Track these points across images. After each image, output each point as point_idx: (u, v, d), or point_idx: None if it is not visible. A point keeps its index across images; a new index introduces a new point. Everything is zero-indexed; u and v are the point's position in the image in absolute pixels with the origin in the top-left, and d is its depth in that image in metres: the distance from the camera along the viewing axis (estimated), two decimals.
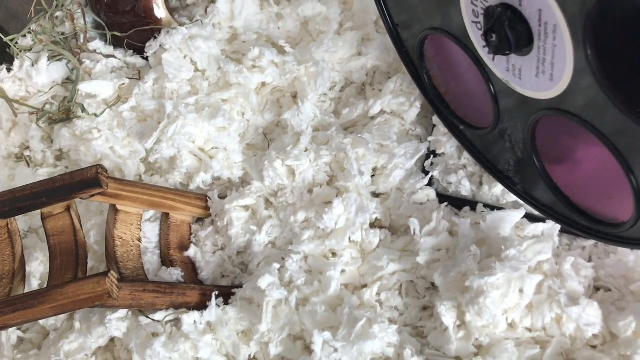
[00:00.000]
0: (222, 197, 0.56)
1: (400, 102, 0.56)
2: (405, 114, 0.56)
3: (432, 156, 0.55)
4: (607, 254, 0.49)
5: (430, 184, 0.54)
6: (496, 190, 0.52)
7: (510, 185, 0.50)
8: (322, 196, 0.53)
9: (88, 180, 0.49)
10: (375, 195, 0.55)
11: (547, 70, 0.38)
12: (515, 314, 0.46)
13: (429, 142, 0.55)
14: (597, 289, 0.49)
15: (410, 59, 0.53)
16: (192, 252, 0.55)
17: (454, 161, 0.54)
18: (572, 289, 0.46)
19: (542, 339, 0.46)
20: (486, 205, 0.52)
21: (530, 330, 0.46)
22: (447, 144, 0.54)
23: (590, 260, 0.50)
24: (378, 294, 0.50)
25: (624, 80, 0.34)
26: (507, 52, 0.38)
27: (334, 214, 0.51)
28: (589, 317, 0.45)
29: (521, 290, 0.45)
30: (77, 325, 0.52)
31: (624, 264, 0.48)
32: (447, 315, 0.46)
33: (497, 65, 0.42)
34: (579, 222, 0.45)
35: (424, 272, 0.49)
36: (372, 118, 0.58)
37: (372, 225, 0.53)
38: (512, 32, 0.37)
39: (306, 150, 0.55)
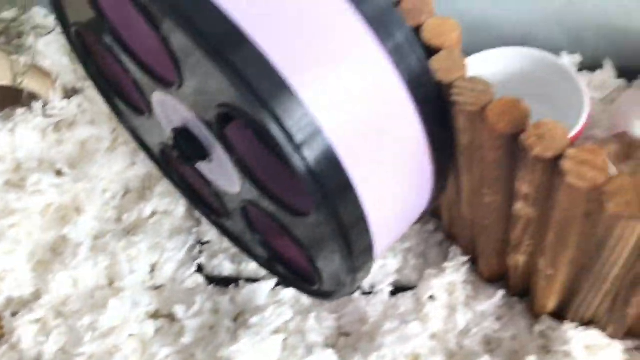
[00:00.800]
0: (16, 314, 0.61)
1: (167, 202, 0.64)
2: (174, 211, 0.64)
3: (199, 245, 0.63)
4: (347, 304, 0.58)
5: (200, 269, 0.62)
6: (254, 266, 0.61)
7: (258, 261, 0.59)
8: (103, 298, 0.60)
9: None
10: (156, 288, 0.62)
11: (228, 171, 0.47)
12: None
13: (196, 232, 0.63)
14: (342, 334, 0.58)
15: (162, 165, 0.61)
16: None
17: (218, 245, 0.63)
18: (311, 341, 0.55)
19: None
20: (247, 280, 0.60)
21: None
22: (210, 232, 0.63)
23: (336, 311, 0.58)
24: None
25: (264, 182, 0.44)
26: (193, 163, 0.47)
27: (111, 313, 0.58)
28: None
29: (265, 352, 0.53)
30: None
31: (359, 309, 0.57)
32: None
33: (204, 169, 0.51)
34: (304, 286, 0.54)
35: (192, 351, 0.56)
36: (149, 218, 0.65)
37: (153, 316, 0.60)
38: (189, 148, 0.46)
39: (86, 259, 0.61)
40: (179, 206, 0.64)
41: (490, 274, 0.56)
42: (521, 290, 0.55)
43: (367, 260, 0.42)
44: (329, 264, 0.45)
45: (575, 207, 0.37)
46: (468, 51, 0.65)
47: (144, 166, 0.68)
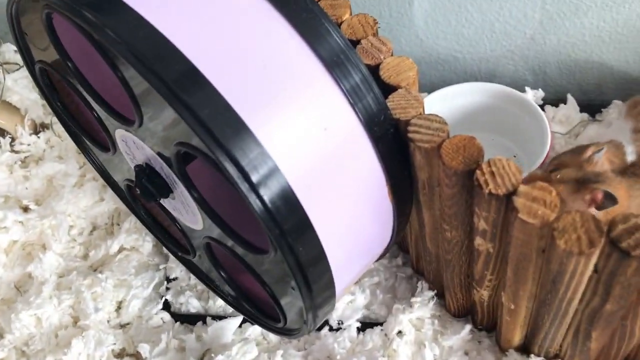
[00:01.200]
0: None
1: (135, 238, 0.64)
2: (142, 248, 0.64)
3: (167, 282, 0.62)
4: (314, 341, 0.58)
5: (167, 306, 0.61)
6: (221, 303, 0.60)
7: (225, 298, 0.58)
8: (67, 337, 0.59)
9: None
10: (121, 326, 0.61)
11: (190, 208, 0.47)
12: None
13: (164, 269, 0.63)
14: None
15: (129, 201, 0.61)
16: None
17: (186, 282, 0.62)
18: None
19: None
20: (214, 317, 0.59)
21: None
22: (177, 268, 0.62)
23: (304, 349, 0.58)
24: None
25: (225, 220, 0.44)
26: (156, 199, 0.47)
27: (74, 353, 0.56)
28: None
29: None
30: None
31: (326, 346, 0.57)
32: None
33: (168, 206, 0.51)
34: (269, 323, 0.53)
35: None
36: (116, 255, 0.64)
37: (118, 355, 0.59)
38: (152, 185, 0.46)
39: (50, 297, 0.60)
40: (147, 243, 0.64)
41: (457, 308, 0.56)
42: (488, 325, 0.55)
43: (329, 297, 0.42)
44: (292, 301, 0.45)
45: (530, 242, 0.37)
46: (435, 86, 0.67)
47: (111, 202, 0.67)
